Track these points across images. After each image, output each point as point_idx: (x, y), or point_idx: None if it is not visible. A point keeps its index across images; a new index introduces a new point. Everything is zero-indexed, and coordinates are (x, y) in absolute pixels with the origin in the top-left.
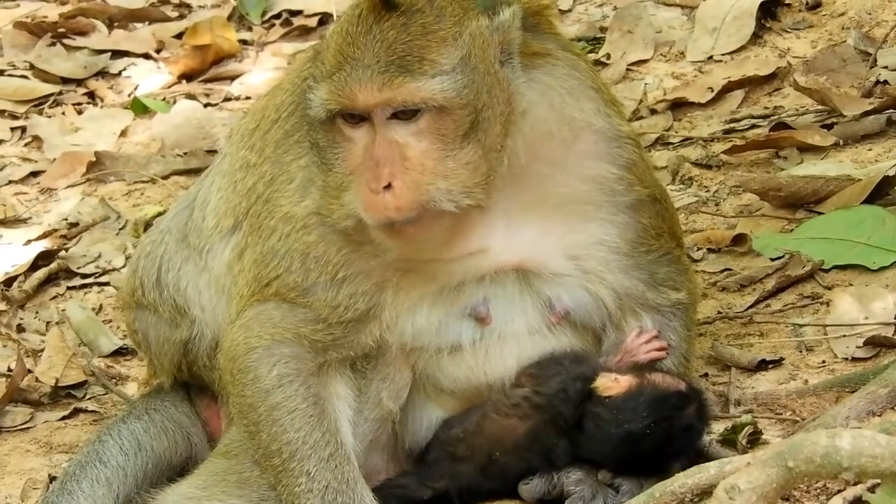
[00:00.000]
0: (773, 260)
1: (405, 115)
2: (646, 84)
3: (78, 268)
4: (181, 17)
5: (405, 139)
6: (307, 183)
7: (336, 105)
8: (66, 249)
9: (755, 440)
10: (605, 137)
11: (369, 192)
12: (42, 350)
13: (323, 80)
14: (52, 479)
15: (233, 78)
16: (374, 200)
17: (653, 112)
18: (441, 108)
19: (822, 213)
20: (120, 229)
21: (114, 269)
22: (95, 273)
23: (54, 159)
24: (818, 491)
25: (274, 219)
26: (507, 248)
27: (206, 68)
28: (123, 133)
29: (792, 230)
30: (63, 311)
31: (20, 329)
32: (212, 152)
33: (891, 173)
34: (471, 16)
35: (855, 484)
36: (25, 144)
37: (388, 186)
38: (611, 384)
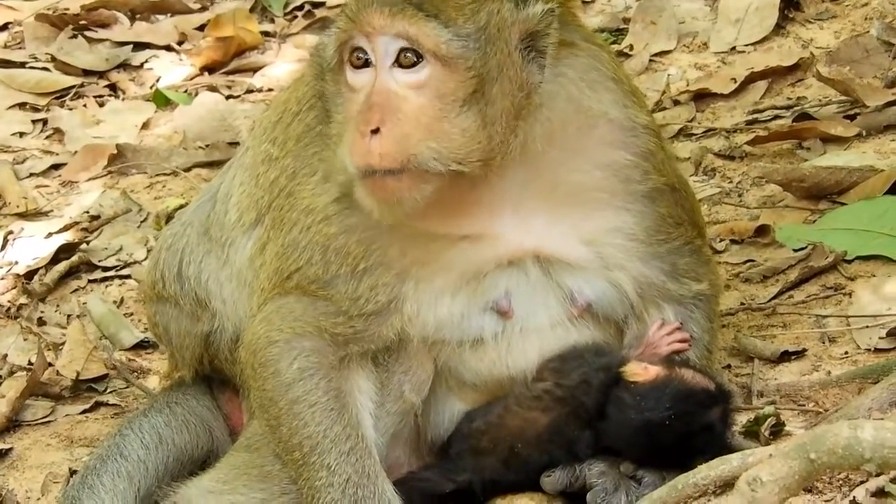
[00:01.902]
0: (795, 251)
1: (408, 60)
2: (669, 75)
3: (99, 261)
4: (203, 8)
5: (404, 91)
6: (328, 175)
7: (346, 28)
8: (88, 242)
9: (778, 432)
10: (621, 127)
11: (357, 136)
12: (63, 343)
13: (338, 19)
14: (72, 472)
15: (255, 70)
16: (360, 144)
17: (676, 103)
18: (445, 62)
19: (845, 204)
20: (141, 222)
21: (135, 262)
22: (117, 266)
23: (76, 152)
24: (841, 482)
25: (296, 212)
26: (520, 232)
27: (229, 60)
28: (145, 125)
29: (815, 221)
30: (84, 304)
31: (41, 322)
32: (234, 144)
33: None
34: None
35: (877, 475)
36: (47, 137)
37: (377, 132)
38: (639, 371)
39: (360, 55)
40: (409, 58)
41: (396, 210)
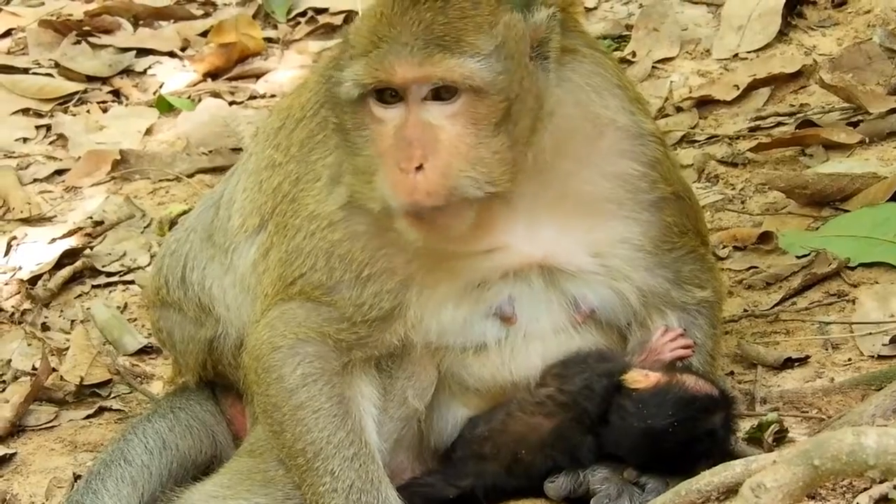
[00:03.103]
0: (799, 258)
1: (443, 95)
2: (671, 82)
3: (103, 266)
4: (206, 15)
5: (439, 121)
6: (333, 181)
7: (372, 80)
8: (91, 248)
9: (781, 438)
10: (629, 135)
11: (398, 173)
12: (67, 349)
13: (356, 58)
14: (76, 477)
15: (258, 76)
16: (404, 181)
17: (678, 110)
18: (478, 91)
19: (848, 211)
20: (145, 228)
21: (139, 268)
22: (120, 271)
23: (79, 158)
24: (844, 489)
25: (299, 217)
26: (529, 244)
27: (232, 66)
28: (148, 131)
29: (818, 228)
30: (88, 309)
31: (45, 328)
32: (237, 150)
33: None
34: (504, 8)
35: (881, 482)
36: (50, 143)
37: (420, 168)
38: (640, 378)
39: (390, 94)
40: (443, 93)
41: (442, 240)
